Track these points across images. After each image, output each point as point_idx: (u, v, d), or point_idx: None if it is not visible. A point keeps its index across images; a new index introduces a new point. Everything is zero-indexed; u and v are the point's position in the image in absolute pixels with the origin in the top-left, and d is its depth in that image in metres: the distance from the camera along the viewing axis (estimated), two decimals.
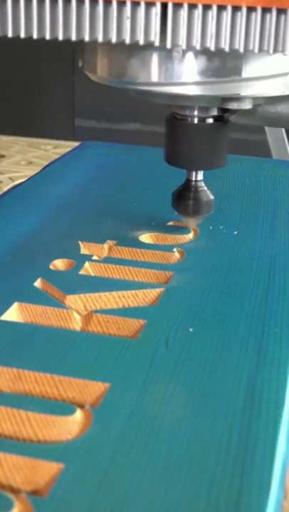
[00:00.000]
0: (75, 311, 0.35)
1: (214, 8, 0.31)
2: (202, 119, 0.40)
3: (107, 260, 0.41)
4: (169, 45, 0.32)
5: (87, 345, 0.32)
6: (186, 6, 0.31)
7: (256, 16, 0.31)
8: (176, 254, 0.42)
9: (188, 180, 0.43)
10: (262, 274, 0.39)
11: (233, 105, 0.38)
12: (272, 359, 0.31)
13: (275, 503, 0.24)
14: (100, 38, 0.33)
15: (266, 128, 0.96)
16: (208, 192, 0.43)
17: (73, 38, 0.33)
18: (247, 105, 0.38)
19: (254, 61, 0.35)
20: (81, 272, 0.39)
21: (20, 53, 1.57)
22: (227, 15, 0.31)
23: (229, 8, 0.31)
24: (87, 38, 0.33)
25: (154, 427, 0.26)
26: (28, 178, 0.57)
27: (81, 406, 0.28)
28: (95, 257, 0.41)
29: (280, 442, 0.26)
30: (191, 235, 0.45)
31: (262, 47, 0.32)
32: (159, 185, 0.55)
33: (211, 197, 0.43)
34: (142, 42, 0.32)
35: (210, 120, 0.40)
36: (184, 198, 0.43)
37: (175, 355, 0.31)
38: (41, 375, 0.29)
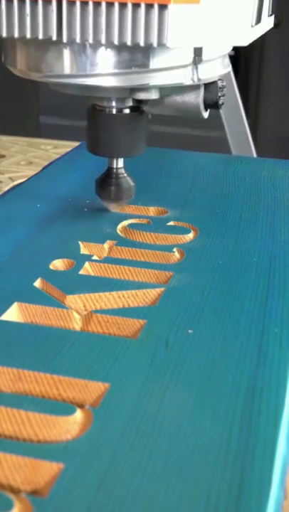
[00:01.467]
0: (75, 311, 0.35)
1: (103, 4, 0.35)
2: (120, 110, 0.43)
3: (107, 260, 0.41)
4: (64, 40, 0.36)
5: (87, 345, 0.32)
6: (78, 3, 0.35)
7: (140, 12, 0.34)
8: (176, 254, 0.42)
9: (109, 168, 0.46)
10: (262, 274, 0.39)
11: (141, 95, 0.41)
12: (272, 359, 0.31)
13: (275, 503, 0.24)
14: (4, 34, 0.36)
15: (225, 124, 0.95)
16: (129, 178, 0.46)
17: None
18: (153, 95, 0.41)
19: (156, 54, 0.38)
20: (81, 272, 0.39)
21: None
22: (115, 11, 0.35)
23: (116, 4, 0.35)
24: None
25: (154, 427, 0.26)
26: (28, 178, 0.57)
27: (81, 406, 0.28)
28: (95, 257, 0.41)
29: (280, 442, 0.26)
30: (191, 235, 0.45)
31: (148, 41, 0.35)
32: (160, 185, 0.55)
33: (132, 183, 0.46)
34: (41, 37, 0.36)
35: (127, 110, 0.43)
36: (106, 184, 0.46)
37: (175, 355, 0.31)
38: (41, 375, 0.29)
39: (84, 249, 0.42)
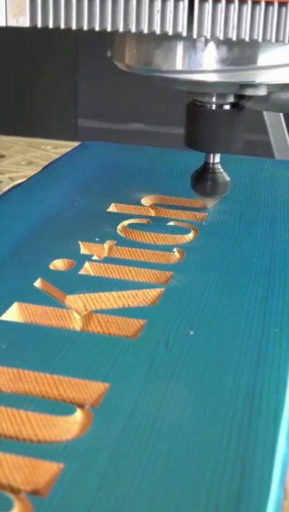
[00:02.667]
0: (75, 311, 0.35)
1: (236, 2, 0.36)
2: (220, 106, 0.44)
3: (107, 260, 0.41)
4: (195, 36, 0.36)
5: (87, 345, 0.32)
6: (210, 0, 0.36)
7: (273, 9, 0.36)
8: (176, 254, 0.42)
9: (206, 163, 0.47)
10: (262, 274, 0.39)
11: (249, 91, 0.42)
12: (272, 359, 0.31)
13: (275, 503, 0.24)
14: (133, 29, 0.37)
15: (268, 128, 0.96)
16: (225, 174, 0.47)
17: (109, 29, 0.37)
18: (262, 91, 0.42)
19: (268, 51, 0.39)
20: (81, 272, 0.39)
21: (21, 52, 1.57)
22: (247, 8, 0.36)
23: (249, 2, 0.36)
24: (121, 29, 0.37)
25: (154, 427, 0.26)
26: (28, 178, 0.57)
27: (81, 406, 0.28)
28: (95, 257, 0.41)
29: (280, 442, 0.26)
30: (191, 235, 0.45)
31: (278, 37, 0.36)
32: (160, 186, 0.55)
33: (227, 178, 0.47)
34: (170, 33, 0.36)
35: (227, 106, 0.44)
36: (203, 178, 0.47)
37: (175, 355, 0.31)
38: (41, 375, 0.29)
39: (84, 249, 0.42)
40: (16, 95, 1.60)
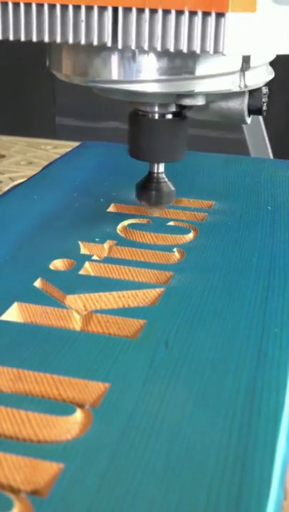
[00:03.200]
0: (75, 311, 0.35)
1: (160, 12, 0.34)
2: (162, 115, 0.43)
3: (107, 260, 0.41)
4: (120, 46, 0.35)
5: (87, 345, 0.32)
6: (134, 10, 0.35)
7: (198, 20, 0.34)
8: (176, 254, 0.42)
9: (150, 173, 0.46)
10: (262, 274, 0.39)
11: (187, 101, 0.41)
12: (272, 359, 0.31)
13: (275, 503, 0.24)
14: (58, 39, 0.36)
15: (244, 127, 0.95)
16: (169, 183, 0.46)
17: (34, 39, 0.37)
18: (200, 101, 0.41)
19: (204, 61, 0.38)
20: (81, 272, 0.39)
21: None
22: (171, 18, 0.34)
23: (173, 12, 0.34)
24: (46, 40, 0.36)
25: (154, 427, 0.26)
26: (28, 178, 0.57)
27: (81, 406, 0.28)
28: (95, 257, 0.41)
29: (280, 442, 0.26)
30: (191, 235, 0.45)
31: (204, 48, 0.34)
32: None
33: (172, 188, 0.46)
34: (95, 43, 0.36)
35: (169, 116, 0.43)
36: (147, 188, 0.46)
37: (175, 355, 0.31)
38: (41, 375, 0.29)
39: (84, 249, 0.42)
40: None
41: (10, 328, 0.33)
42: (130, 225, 0.46)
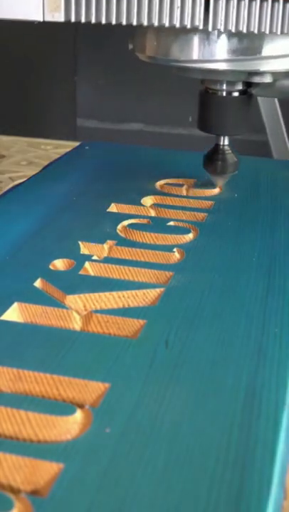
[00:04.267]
0: (75, 311, 0.35)
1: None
2: (229, 93, 0.49)
3: (107, 260, 0.41)
4: (210, 29, 0.42)
5: (87, 345, 0.32)
6: None
7: (278, 5, 0.41)
8: (176, 254, 0.42)
9: (216, 145, 0.52)
10: (262, 274, 0.39)
11: (256, 79, 0.47)
12: (272, 359, 0.31)
13: (275, 503, 0.24)
14: (156, 23, 0.42)
15: (267, 128, 0.96)
16: (233, 154, 0.52)
17: (134, 23, 0.42)
18: (267, 79, 0.47)
19: (273, 42, 0.45)
20: (81, 272, 0.39)
21: (20, 53, 1.57)
22: (256, 4, 0.41)
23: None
24: (145, 23, 0.42)
25: (154, 427, 0.26)
26: (28, 178, 0.57)
27: (81, 406, 0.28)
28: (95, 257, 0.41)
29: (280, 442, 0.26)
30: (191, 235, 0.45)
31: (283, 29, 0.41)
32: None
33: (236, 159, 0.52)
34: (188, 26, 0.42)
35: (236, 93, 0.50)
36: (214, 159, 0.52)
37: (175, 355, 0.31)
38: (41, 375, 0.29)
39: (84, 249, 0.42)
40: (15, 95, 1.60)
41: (10, 328, 0.33)
42: (130, 225, 0.46)
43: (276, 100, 0.93)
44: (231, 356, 0.31)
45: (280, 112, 0.97)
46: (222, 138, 0.52)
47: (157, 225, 0.46)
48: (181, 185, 0.54)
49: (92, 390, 0.29)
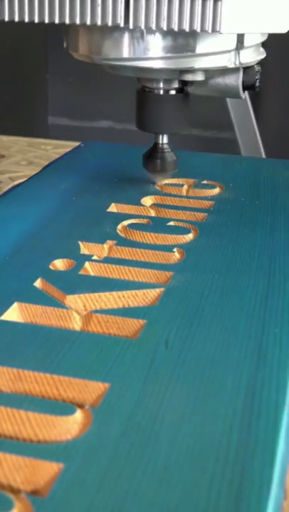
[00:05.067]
0: (75, 311, 0.35)
1: None
2: (166, 91, 0.50)
3: (107, 260, 0.41)
4: (131, 26, 0.42)
5: (87, 345, 0.32)
6: None
7: (198, 2, 0.41)
8: (176, 254, 0.42)
9: (156, 143, 0.52)
10: (262, 274, 0.39)
11: (188, 77, 0.47)
12: (272, 359, 0.31)
13: (275, 503, 0.24)
14: (78, 21, 0.42)
15: (235, 125, 0.96)
16: (172, 153, 0.52)
17: (56, 21, 0.42)
18: (199, 77, 0.47)
19: (203, 40, 0.44)
20: (81, 272, 0.39)
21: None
22: (175, 1, 0.41)
23: None
24: (67, 21, 0.42)
25: (154, 427, 0.26)
26: (28, 178, 0.57)
27: (81, 406, 0.28)
28: (95, 257, 0.41)
29: (280, 442, 0.26)
30: (191, 235, 0.45)
31: (203, 27, 0.41)
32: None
33: (175, 157, 0.52)
34: (110, 24, 0.42)
35: (173, 92, 0.50)
36: (153, 157, 0.52)
37: (175, 355, 0.31)
38: (41, 375, 0.29)
39: (84, 249, 0.42)
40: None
41: (10, 328, 0.33)
42: (130, 225, 0.46)
43: (247, 97, 0.93)
44: (231, 356, 0.31)
45: (252, 109, 0.96)
46: (160, 136, 0.52)
47: (157, 225, 0.46)
48: (181, 186, 0.54)
49: (92, 390, 0.29)
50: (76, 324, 0.34)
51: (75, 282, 0.37)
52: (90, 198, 0.51)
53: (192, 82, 0.49)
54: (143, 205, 0.50)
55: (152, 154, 0.52)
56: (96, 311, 0.35)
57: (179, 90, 0.50)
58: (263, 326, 0.34)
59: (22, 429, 0.26)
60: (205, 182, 0.55)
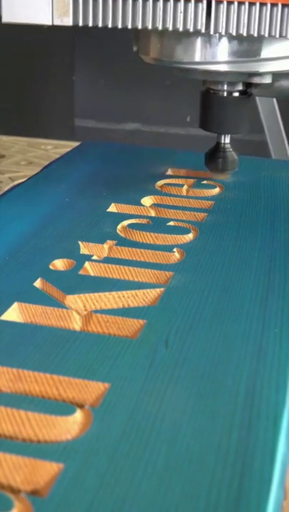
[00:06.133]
0: (75, 311, 0.35)
1: (246, 3, 0.43)
2: (230, 93, 0.51)
3: (107, 260, 0.41)
4: (212, 32, 0.44)
5: (87, 345, 0.32)
6: (225, 3, 0.43)
7: (277, 10, 0.43)
8: (176, 254, 0.42)
9: (218, 143, 0.54)
10: (262, 274, 0.39)
11: (256, 80, 0.49)
12: (272, 359, 0.31)
13: (275, 503, 0.24)
14: (160, 27, 0.44)
15: (265, 127, 0.97)
16: (233, 153, 0.54)
17: (139, 26, 0.44)
18: (267, 80, 0.49)
19: (271, 45, 0.47)
20: (81, 272, 0.39)
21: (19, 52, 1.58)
22: (256, 8, 0.43)
23: (257, 4, 0.43)
24: (150, 27, 0.44)
25: (154, 427, 0.26)
26: (28, 178, 0.57)
27: (81, 406, 0.28)
28: (95, 257, 0.41)
29: (280, 442, 0.26)
30: (191, 235, 0.45)
31: (281, 33, 0.43)
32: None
33: (236, 157, 0.54)
34: (191, 30, 0.44)
35: (236, 94, 0.52)
36: (215, 156, 0.54)
37: (175, 355, 0.31)
38: (41, 375, 0.29)
39: (84, 249, 0.42)
40: (15, 95, 1.60)
41: (10, 328, 0.33)
42: (130, 225, 0.46)
43: (274, 100, 0.94)
44: (231, 356, 0.31)
45: (279, 112, 0.97)
46: (223, 136, 0.53)
47: (157, 225, 0.46)
48: (181, 186, 0.54)
49: (92, 390, 0.29)
50: (76, 324, 0.34)
51: (75, 282, 0.38)
52: (90, 198, 0.51)
53: (257, 85, 0.51)
54: (143, 205, 0.50)
55: (214, 154, 0.54)
56: (96, 311, 0.35)
57: (242, 92, 0.52)
58: (263, 326, 0.34)
59: (22, 429, 0.26)
60: (205, 182, 0.55)
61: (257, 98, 0.95)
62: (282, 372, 0.30)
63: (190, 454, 0.25)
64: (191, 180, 0.55)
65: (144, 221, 0.47)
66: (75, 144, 0.69)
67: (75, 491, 0.23)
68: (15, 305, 0.35)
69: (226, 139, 0.54)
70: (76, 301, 0.36)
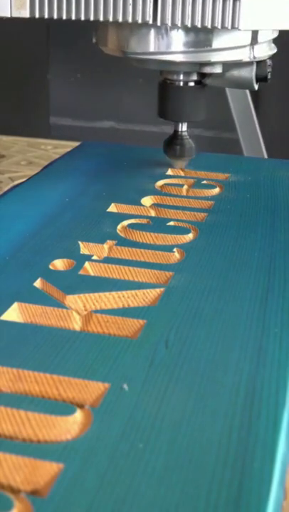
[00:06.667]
0: (75, 311, 0.35)
1: None
2: (186, 83, 0.54)
3: (107, 260, 0.41)
4: (159, 23, 0.47)
5: (87, 345, 0.32)
6: None
7: (219, 1, 0.46)
8: (176, 254, 0.42)
9: (175, 131, 0.56)
10: (262, 274, 0.39)
11: (207, 69, 0.52)
12: (272, 359, 0.31)
13: (275, 503, 0.24)
14: (111, 19, 0.47)
15: (237, 125, 0.96)
16: (190, 140, 0.56)
17: (91, 18, 0.47)
18: (218, 69, 0.52)
19: (221, 36, 0.49)
20: (81, 272, 0.39)
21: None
22: (199, 0, 0.46)
23: None
24: (101, 19, 0.47)
25: (154, 427, 0.26)
26: (28, 178, 0.57)
27: (81, 406, 0.28)
28: (95, 257, 0.41)
29: (280, 442, 0.26)
30: (191, 235, 0.45)
31: (223, 24, 0.46)
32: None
33: (192, 144, 0.57)
34: (140, 21, 0.47)
35: (191, 83, 0.54)
36: (173, 144, 0.56)
37: (175, 355, 0.31)
38: (41, 375, 0.29)
39: (84, 249, 0.42)
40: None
41: (10, 328, 0.33)
42: (130, 225, 0.46)
43: (249, 97, 0.94)
44: (231, 356, 0.31)
45: (254, 109, 0.96)
46: (180, 124, 0.56)
47: (157, 225, 0.46)
48: (181, 186, 0.54)
49: (92, 390, 0.29)
50: (76, 324, 0.34)
51: (75, 282, 0.37)
52: (90, 198, 0.51)
53: (210, 75, 0.53)
54: (143, 205, 0.50)
55: (172, 141, 0.56)
56: (96, 311, 0.35)
57: (197, 82, 0.54)
58: (263, 326, 0.34)
59: (22, 429, 0.26)
60: (205, 182, 0.55)
61: (228, 95, 0.96)
62: (282, 373, 0.30)
63: (190, 454, 0.25)
64: (191, 180, 0.55)
65: (144, 221, 0.47)
66: (75, 143, 0.69)
67: (75, 491, 0.23)
68: (15, 305, 0.35)
69: (183, 127, 0.56)
70: (76, 301, 0.36)
